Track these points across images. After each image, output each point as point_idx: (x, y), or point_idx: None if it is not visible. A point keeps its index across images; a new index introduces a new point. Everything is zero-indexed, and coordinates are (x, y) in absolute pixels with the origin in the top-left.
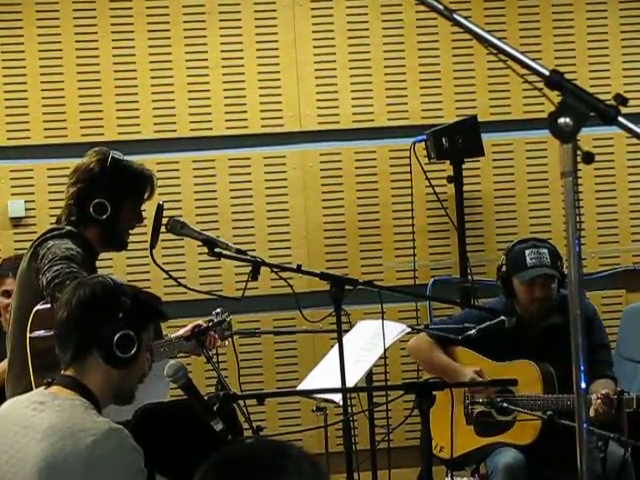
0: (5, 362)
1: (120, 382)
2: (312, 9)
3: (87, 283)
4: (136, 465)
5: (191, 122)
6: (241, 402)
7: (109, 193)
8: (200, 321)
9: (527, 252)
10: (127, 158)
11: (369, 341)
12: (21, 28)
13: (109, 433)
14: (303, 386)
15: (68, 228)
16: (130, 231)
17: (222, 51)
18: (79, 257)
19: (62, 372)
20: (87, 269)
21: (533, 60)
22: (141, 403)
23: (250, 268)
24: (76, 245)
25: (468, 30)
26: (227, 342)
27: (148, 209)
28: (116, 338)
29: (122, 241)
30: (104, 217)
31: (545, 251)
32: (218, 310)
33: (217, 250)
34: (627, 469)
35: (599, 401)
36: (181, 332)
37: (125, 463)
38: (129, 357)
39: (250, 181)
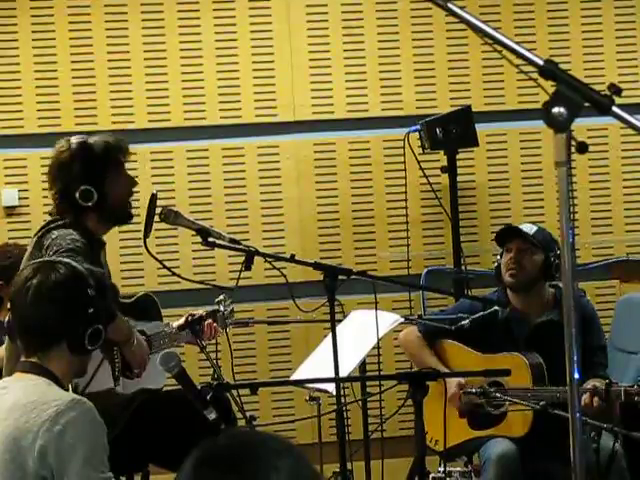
0: (2, 348)
1: (79, 366)
2: None
3: (53, 271)
4: (98, 437)
5: (185, 112)
6: (234, 391)
7: (87, 177)
8: (198, 311)
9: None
10: (89, 137)
11: (362, 331)
12: (15, 17)
13: (72, 404)
14: (296, 376)
15: (72, 218)
16: (130, 199)
17: (216, 40)
18: (83, 249)
19: (22, 359)
20: (92, 260)
21: (528, 50)
22: (136, 388)
23: (244, 258)
24: (80, 235)
25: (463, 20)
26: (223, 330)
27: (142, 198)
28: (88, 333)
29: (125, 213)
30: (94, 201)
31: (535, 227)
32: (221, 297)
33: (211, 240)
34: (617, 459)
35: (587, 393)
36: (181, 321)
37: (88, 432)
38: (95, 348)
39: (244, 171)
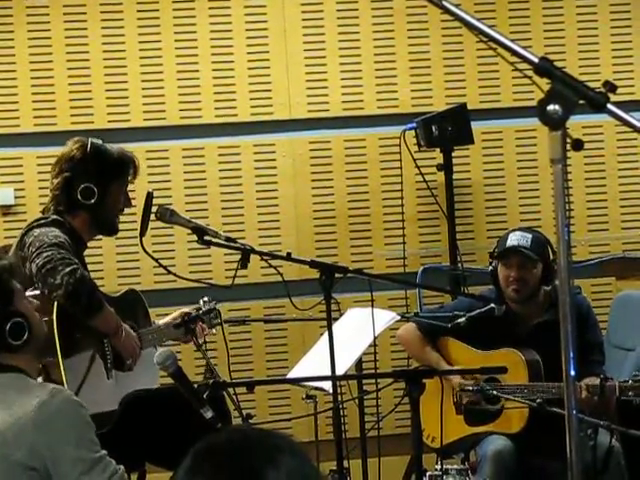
0: None
1: (35, 352)
2: None
3: None
4: (84, 418)
5: (181, 110)
6: (231, 390)
7: (94, 177)
8: (187, 309)
9: (511, 234)
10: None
11: (359, 329)
12: (11, 16)
13: (53, 393)
14: (293, 374)
15: (54, 217)
16: (120, 215)
17: (212, 39)
18: (66, 244)
19: None
20: (75, 257)
21: (523, 48)
22: (129, 390)
23: (240, 256)
24: (63, 233)
25: (458, 18)
26: (215, 330)
27: (137, 197)
28: (7, 328)
29: (113, 225)
30: (92, 201)
31: (529, 235)
32: (205, 298)
33: (207, 238)
34: (614, 456)
35: (582, 390)
36: (168, 319)
37: (74, 417)
38: (27, 337)
39: (240, 169)
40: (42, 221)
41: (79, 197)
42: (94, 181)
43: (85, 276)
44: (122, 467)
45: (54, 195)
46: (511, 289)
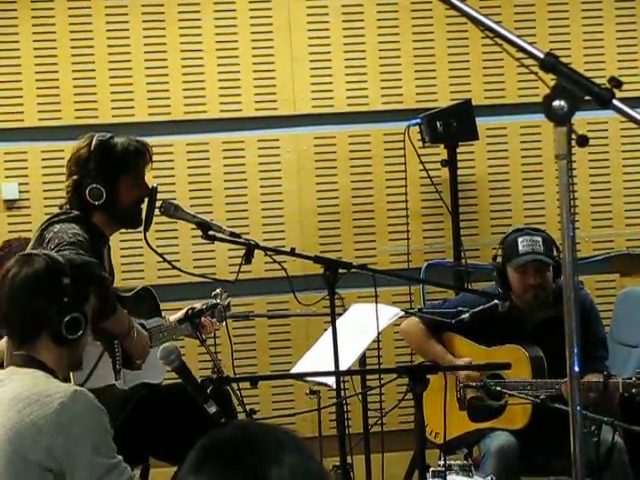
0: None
1: (70, 357)
2: None
3: (27, 264)
4: (103, 425)
5: (185, 105)
6: (235, 385)
7: (100, 177)
8: (197, 304)
9: (520, 240)
10: (115, 136)
11: (362, 324)
12: (15, 10)
13: (75, 396)
14: (296, 369)
15: (76, 213)
16: (139, 206)
17: (216, 34)
18: (85, 243)
19: (14, 352)
20: (94, 255)
21: (528, 43)
22: (136, 382)
23: (244, 251)
24: (83, 230)
25: (463, 13)
26: (219, 323)
27: None
28: (64, 323)
29: (133, 218)
30: (102, 201)
31: (539, 239)
32: (217, 291)
33: (211, 233)
34: (618, 452)
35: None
36: (178, 315)
37: (93, 423)
38: (78, 336)
39: (244, 164)
40: (63, 216)
41: (89, 198)
42: (100, 181)
43: None
44: (136, 474)
45: (67, 198)
46: (530, 295)
